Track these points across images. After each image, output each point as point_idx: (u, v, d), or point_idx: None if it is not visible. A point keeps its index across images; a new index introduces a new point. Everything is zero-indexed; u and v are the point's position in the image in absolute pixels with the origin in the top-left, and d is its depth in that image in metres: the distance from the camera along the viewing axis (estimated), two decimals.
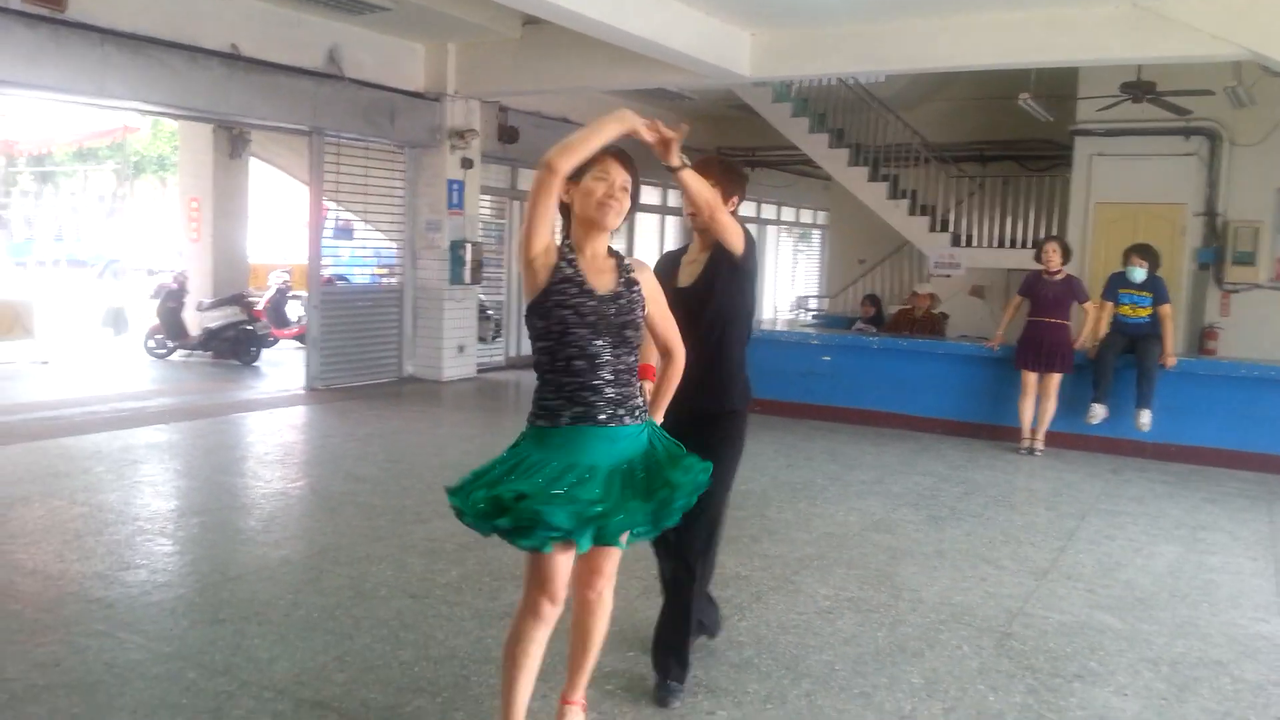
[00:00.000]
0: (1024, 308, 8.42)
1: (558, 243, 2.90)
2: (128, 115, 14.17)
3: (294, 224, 21.91)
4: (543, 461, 2.76)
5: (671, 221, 16.49)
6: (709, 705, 3.52)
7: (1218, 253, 11.67)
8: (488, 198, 12.62)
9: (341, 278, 12.87)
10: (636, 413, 2.91)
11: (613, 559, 3.00)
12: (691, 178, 3.29)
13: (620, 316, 2.89)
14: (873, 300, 12.77)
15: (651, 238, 16.26)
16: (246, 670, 3.66)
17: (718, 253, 3.56)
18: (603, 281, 2.89)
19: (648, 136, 2.96)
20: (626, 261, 3.01)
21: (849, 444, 8.53)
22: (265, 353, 12.93)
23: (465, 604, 4.39)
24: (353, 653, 3.84)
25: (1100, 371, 8.18)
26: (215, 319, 12.54)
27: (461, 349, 11.76)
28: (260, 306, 13.26)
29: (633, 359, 2.94)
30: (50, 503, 5.82)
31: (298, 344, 13.21)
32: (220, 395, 10.25)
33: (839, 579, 4.95)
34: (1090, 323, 8.37)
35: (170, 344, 12.80)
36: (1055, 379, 8.25)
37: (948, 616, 4.48)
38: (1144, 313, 8.15)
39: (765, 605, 4.53)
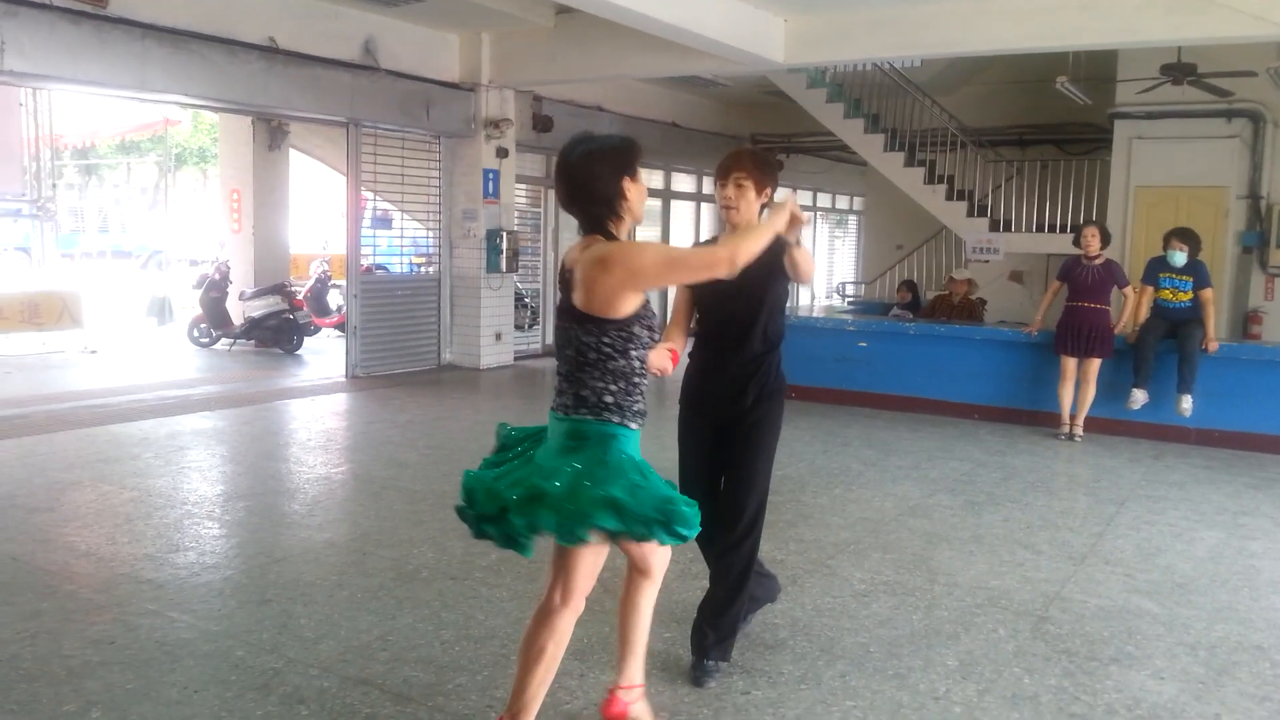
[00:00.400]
0: (1063, 293, 8.35)
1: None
2: (169, 108, 14.43)
3: (333, 214, 22.14)
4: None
5: (706, 209, 16.50)
6: (744, 685, 3.56)
7: (1262, 236, 11.51)
8: (523, 186, 12.71)
9: (380, 267, 13.03)
10: None
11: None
12: (802, 255, 3.46)
13: None
14: (910, 286, 12.69)
15: (687, 225, 16.28)
16: (293, 648, 3.76)
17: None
18: None
19: (785, 222, 3.11)
20: None
21: (886, 429, 8.52)
22: (307, 341, 13.11)
23: (504, 586, 4.47)
24: (396, 632, 3.93)
25: (1141, 356, 8.11)
26: (257, 308, 12.73)
27: (499, 336, 11.86)
28: (301, 296, 13.47)
29: None
30: (101, 488, 5.98)
31: (338, 332, 13.38)
32: (263, 383, 10.42)
33: (874, 563, 4.97)
34: (1130, 308, 8.30)
35: (214, 333, 13.03)
36: (1095, 364, 8.19)
37: (984, 600, 4.49)
38: (1185, 297, 8.06)
39: (801, 589, 4.56)
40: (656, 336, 2.93)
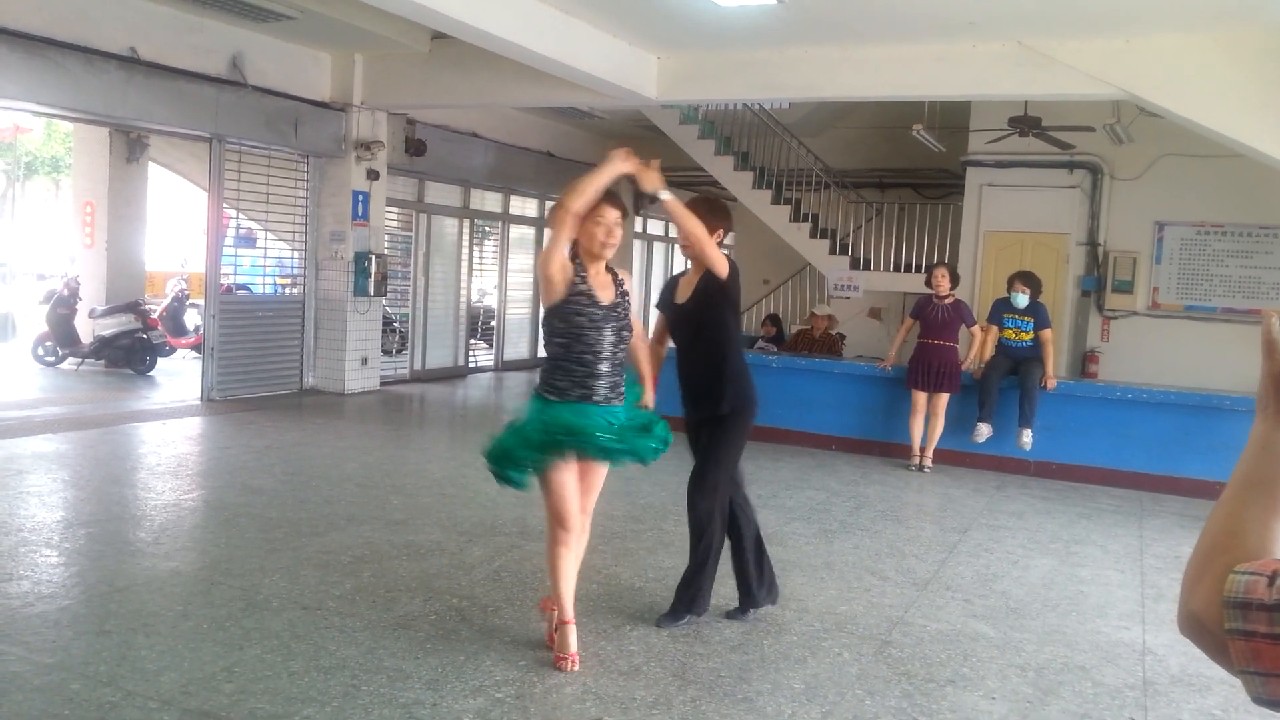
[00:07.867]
0: (915, 330, 8.74)
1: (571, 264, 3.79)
2: (20, 115, 13.76)
3: (193, 231, 21.39)
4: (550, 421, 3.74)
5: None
6: (596, 710, 3.61)
7: (1099, 280, 12.23)
8: (394, 210, 12.57)
9: (242, 287, 12.67)
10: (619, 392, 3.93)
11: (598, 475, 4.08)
12: (674, 205, 4.08)
13: (619, 320, 3.84)
14: (774, 320, 13.02)
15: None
16: (132, 681, 3.63)
17: (706, 276, 4.34)
18: (606, 295, 3.82)
19: (630, 168, 3.82)
20: (619, 275, 3.92)
21: (747, 459, 8.54)
22: (161, 362, 12.64)
23: (359, 615, 4.41)
24: (242, 663, 3.83)
25: (985, 392, 8.52)
26: (109, 326, 12.21)
27: (365, 361, 11.66)
28: (156, 314, 12.96)
29: (624, 353, 3.91)
30: None
31: (195, 353, 12.93)
32: (112, 405, 10.00)
33: (730, 590, 5.06)
34: (976, 345, 8.73)
35: (60, 351, 12.42)
36: (943, 399, 8.57)
37: (831, 625, 4.65)
38: (1026, 337, 8.53)
39: (657, 615, 4.63)
40: (561, 329, 3.78)
